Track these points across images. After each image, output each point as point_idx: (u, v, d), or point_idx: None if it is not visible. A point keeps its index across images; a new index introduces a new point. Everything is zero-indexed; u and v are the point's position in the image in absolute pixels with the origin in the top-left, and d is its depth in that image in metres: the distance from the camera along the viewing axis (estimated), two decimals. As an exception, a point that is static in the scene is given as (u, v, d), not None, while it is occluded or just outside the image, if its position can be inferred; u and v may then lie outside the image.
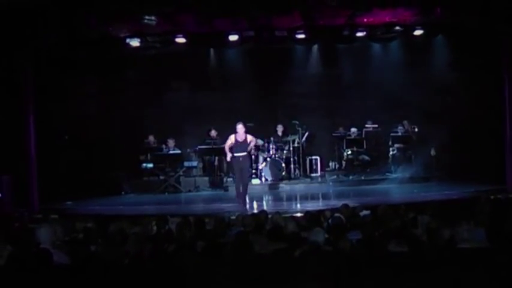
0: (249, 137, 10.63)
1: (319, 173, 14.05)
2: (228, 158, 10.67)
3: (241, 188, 10.44)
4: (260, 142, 13.11)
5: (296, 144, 13.69)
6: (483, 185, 11.26)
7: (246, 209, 9.98)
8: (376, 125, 13.92)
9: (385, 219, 6.36)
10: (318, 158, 14.18)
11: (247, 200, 10.71)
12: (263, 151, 13.40)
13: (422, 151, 13.24)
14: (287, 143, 13.60)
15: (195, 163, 13.68)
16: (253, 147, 11.44)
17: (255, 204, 10.79)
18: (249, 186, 10.92)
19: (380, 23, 12.26)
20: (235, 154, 10.47)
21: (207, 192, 13.17)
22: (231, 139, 10.49)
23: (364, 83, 14.20)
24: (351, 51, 14.32)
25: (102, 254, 4.96)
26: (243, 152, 10.47)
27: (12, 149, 10.98)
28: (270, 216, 7.18)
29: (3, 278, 3.85)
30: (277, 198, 12.16)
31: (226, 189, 13.07)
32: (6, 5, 9.57)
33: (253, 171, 13.18)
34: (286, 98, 14.42)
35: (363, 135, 13.85)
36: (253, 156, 12.91)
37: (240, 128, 10.45)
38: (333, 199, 11.15)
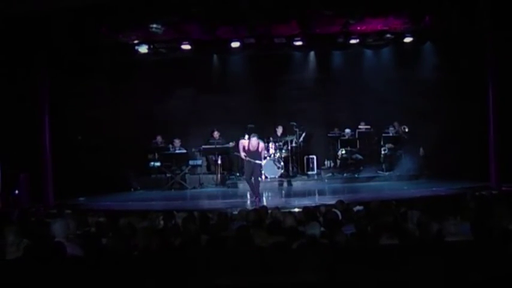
0: (261, 146, 10.81)
1: (315, 171, 14.04)
2: (242, 156, 10.80)
3: (253, 183, 10.70)
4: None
5: (294, 144, 13.68)
6: (469, 182, 11.27)
7: (261, 200, 10.50)
8: (369, 126, 13.90)
9: (378, 214, 6.35)
10: (314, 157, 14.17)
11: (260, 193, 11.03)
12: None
13: (411, 150, 13.24)
14: (285, 143, 13.58)
15: (199, 162, 13.68)
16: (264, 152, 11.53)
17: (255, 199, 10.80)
18: (260, 183, 11.21)
19: (372, 30, 12.26)
20: (248, 158, 10.67)
21: (211, 189, 13.16)
22: (244, 144, 10.72)
23: (357, 87, 14.17)
24: (345, 57, 14.33)
25: (112, 246, 4.95)
26: (255, 159, 10.65)
27: (29, 148, 10.99)
28: (269, 211, 7.18)
29: (20, 269, 3.84)
30: (276, 195, 12.15)
31: (228, 186, 13.11)
32: (24, 14, 9.61)
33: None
34: (285, 100, 14.39)
35: (356, 136, 13.82)
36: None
37: (254, 140, 10.65)
38: (328, 195, 11.14)
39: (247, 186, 11.26)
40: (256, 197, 10.62)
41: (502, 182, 11.11)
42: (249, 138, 10.73)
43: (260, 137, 12.61)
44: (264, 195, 11.63)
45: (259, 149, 10.75)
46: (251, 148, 10.64)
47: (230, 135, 13.70)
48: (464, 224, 4.98)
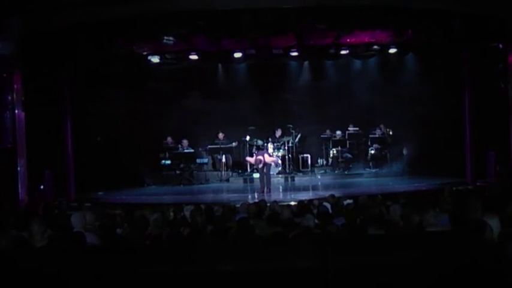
0: (271, 158, 11.91)
1: (309, 169, 14.03)
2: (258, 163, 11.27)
3: (265, 180, 11.12)
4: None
5: (290, 145, 13.67)
6: (447, 178, 11.26)
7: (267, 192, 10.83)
8: (357, 128, 13.89)
9: (365, 207, 6.34)
10: (309, 155, 14.15)
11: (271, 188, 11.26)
12: (262, 150, 13.34)
13: (396, 150, 13.23)
14: (283, 143, 13.58)
15: (205, 160, 13.67)
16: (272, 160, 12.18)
17: (256, 195, 10.80)
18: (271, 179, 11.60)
19: (361, 42, 12.23)
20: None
21: (216, 184, 13.16)
22: (260, 158, 11.23)
23: (347, 93, 14.14)
24: (336, 66, 14.31)
25: (127, 236, 4.95)
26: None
27: (53, 148, 10.99)
28: (268, 204, 7.17)
29: (45, 257, 3.83)
30: (274, 189, 12.11)
31: (229, 181, 13.15)
32: (49, 29, 9.63)
33: (254, 167, 13.18)
34: (282, 105, 14.39)
35: (346, 137, 13.82)
36: (253, 155, 12.90)
37: (267, 156, 11.51)
38: (321, 190, 11.12)
39: (248, 183, 11.30)
40: (267, 188, 10.87)
41: (476, 179, 11.13)
42: (261, 154, 11.38)
43: (260, 139, 13.13)
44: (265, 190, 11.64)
45: (271, 158, 11.71)
46: (267, 160, 11.21)
47: (233, 136, 13.69)
48: (442, 215, 4.97)
